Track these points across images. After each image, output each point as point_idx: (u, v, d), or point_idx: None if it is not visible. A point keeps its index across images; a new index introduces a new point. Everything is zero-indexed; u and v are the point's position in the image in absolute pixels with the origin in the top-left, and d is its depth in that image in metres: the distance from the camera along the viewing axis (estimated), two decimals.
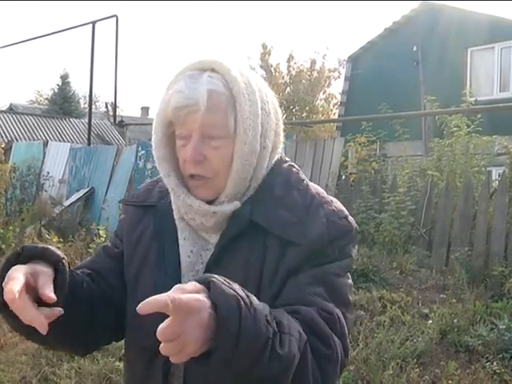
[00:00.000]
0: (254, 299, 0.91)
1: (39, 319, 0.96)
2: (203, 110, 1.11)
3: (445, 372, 4.00)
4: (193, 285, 0.86)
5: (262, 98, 1.19)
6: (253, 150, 1.16)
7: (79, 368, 4.00)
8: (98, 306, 1.20)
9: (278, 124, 1.25)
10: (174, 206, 1.24)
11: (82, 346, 1.26)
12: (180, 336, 0.81)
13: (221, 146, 1.15)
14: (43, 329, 0.96)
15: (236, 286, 0.90)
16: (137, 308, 0.81)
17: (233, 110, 1.14)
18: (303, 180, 1.24)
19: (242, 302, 0.87)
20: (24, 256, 1.05)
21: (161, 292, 0.82)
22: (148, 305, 0.80)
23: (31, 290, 0.99)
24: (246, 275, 1.13)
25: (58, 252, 1.09)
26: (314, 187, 1.24)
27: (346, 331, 1.10)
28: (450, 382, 3.87)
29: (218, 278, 0.88)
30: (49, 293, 0.98)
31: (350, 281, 1.19)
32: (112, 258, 1.32)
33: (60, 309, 1.02)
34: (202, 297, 0.84)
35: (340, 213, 1.19)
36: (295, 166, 1.29)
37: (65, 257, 1.10)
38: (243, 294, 0.89)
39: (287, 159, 1.30)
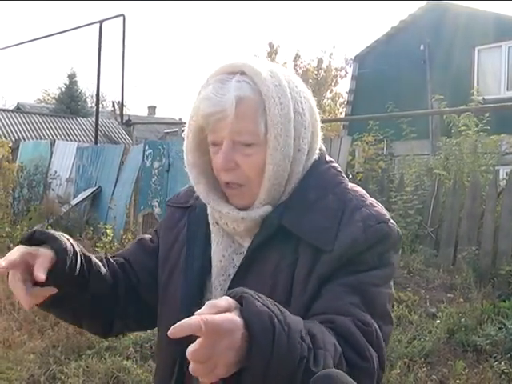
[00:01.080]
0: (288, 315, 0.86)
1: (23, 296, 1.04)
2: (231, 117, 1.07)
3: (452, 371, 4.00)
4: (225, 301, 0.81)
5: (296, 99, 1.14)
6: (286, 155, 1.11)
7: (87, 367, 4.01)
8: (119, 294, 1.27)
9: (315, 124, 1.20)
10: (208, 211, 1.22)
11: (98, 327, 1.33)
12: (211, 358, 0.77)
13: (252, 152, 1.11)
14: (26, 304, 1.05)
15: (269, 302, 0.84)
16: (168, 333, 0.76)
17: (263, 115, 1.09)
18: (341, 182, 1.18)
19: (276, 320, 0.82)
20: (35, 239, 1.10)
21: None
22: (180, 329, 0.75)
23: (29, 269, 1.04)
24: (275, 281, 1.09)
25: (64, 239, 1.13)
26: (354, 190, 1.18)
27: (383, 344, 1.03)
28: (457, 381, 3.86)
29: (251, 294, 0.83)
30: (37, 272, 1.02)
31: (391, 291, 1.12)
32: (145, 253, 1.35)
33: (51, 288, 1.09)
34: (234, 316, 0.79)
35: (379, 217, 1.11)
36: (336, 166, 1.23)
37: (70, 244, 1.14)
38: (277, 311, 0.84)
39: (329, 159, 1.24)
